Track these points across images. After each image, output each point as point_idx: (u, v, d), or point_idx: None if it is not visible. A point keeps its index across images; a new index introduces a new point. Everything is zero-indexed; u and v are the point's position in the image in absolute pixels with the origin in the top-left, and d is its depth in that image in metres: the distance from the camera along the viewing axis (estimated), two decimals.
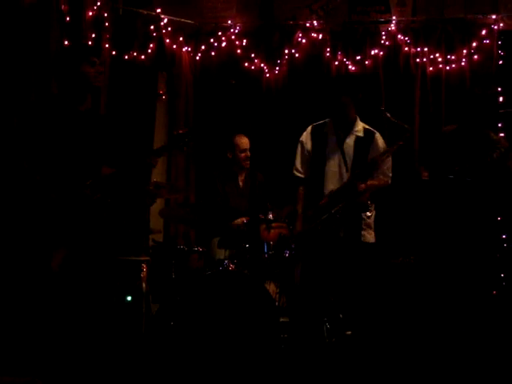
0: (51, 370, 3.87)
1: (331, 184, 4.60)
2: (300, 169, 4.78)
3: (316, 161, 4.70)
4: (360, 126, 4.70)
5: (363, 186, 4.44)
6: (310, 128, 4.81)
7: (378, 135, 4.71)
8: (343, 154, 4.61)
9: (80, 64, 3.91)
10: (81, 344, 3.92)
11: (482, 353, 4.41)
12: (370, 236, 4.67)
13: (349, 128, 4.67)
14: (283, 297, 5.02)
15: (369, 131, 4.71)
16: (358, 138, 4.65)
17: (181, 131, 4.10)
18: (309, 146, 4.76)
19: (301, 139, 4.81)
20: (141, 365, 4.10)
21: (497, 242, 5.56)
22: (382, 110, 4.58)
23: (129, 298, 4.52)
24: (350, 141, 4.64)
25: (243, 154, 5.50)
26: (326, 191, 4.60)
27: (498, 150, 4.78)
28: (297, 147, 4.82)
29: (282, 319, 4.82)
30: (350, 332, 4.50)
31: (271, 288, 5.04)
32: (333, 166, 4.63)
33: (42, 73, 4.98)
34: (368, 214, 4.57)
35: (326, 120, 4.79)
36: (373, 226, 4.70)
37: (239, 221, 5.13)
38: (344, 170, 4.60)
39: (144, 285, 4.64)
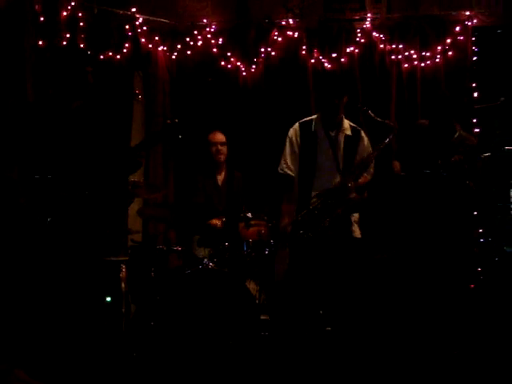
0: (33, 363, 3.87)
1: (322, 182, 4.57)
2: (291, 166, 4.69)
3: (306, 159, 4.64)
4: (347, 124, 4.70)
5: (353, 185, 4.45)
6: (297, 125, 4.75)
7: (363, 133, 4.74)
8: (334, 152, 4.60)
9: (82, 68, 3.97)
10: (62, 343, 3.91)
11: (461, 346, 4.47)
12: (357, 231, 4.69)
13: (338, 126, 4.65)
14: (263, 295, 5.05)
15: (355, 129, 4.72)
16: (346, 136, 4.65)
17: (175, 120, 4.11)
18: (298, 143, 4.70)
19: (289, 136, 4.73)
20: (121, 365, 4.08)
21: (473, 237, 5.63)
22: (365, 109, 4.58)
23: (108, 299, 4.48)
24: (340, 139, 4.64)
25: (214, 148, 5.50)
26: (316, 189, 4.55)
27: (461, 152, 4.81)
28: (285, 144, 4.74)
29: (262, 317, 4.86)
30: (329, 328, 4.50)
31: (251, 286, 5.05)
32: (324, 163, 4.60)
33: (17, 73, 4.96)
34: None
35: (313, 117, 4.76)
36: (358, 220, 4.72)
37: (216, 221, 5.12)
38: (335, 168, 4.58)
39: (123, 285, 4.62)
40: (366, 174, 4.61)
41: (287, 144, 4.74)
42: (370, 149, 4.68)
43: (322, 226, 4.41)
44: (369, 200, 4.57)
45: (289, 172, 4.71)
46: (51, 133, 3.96)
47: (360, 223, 4.73)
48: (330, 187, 4.49)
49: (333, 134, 4.64)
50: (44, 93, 5.03)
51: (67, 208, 3.96)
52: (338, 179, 4.54)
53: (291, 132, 4.75)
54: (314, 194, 4.55)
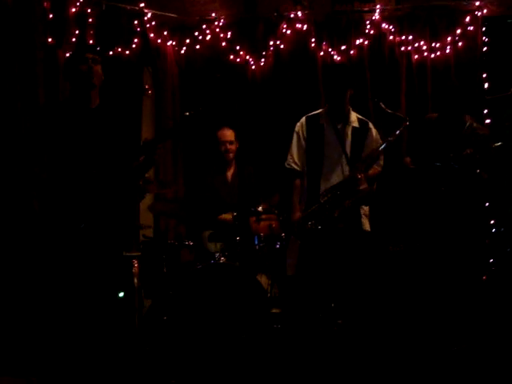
0: (45, 367, 3.90)
1: (330, 175, 4.58)
2: (297, 161, 4.71)
3: (314, 152, 4.65)
4: (354, 116, 4.69)
5: (362, 176, 4.45)
6: (304, 119, 4.76)
7: (371, 124, 4.74)
8: (343, 145, 4.59)
9: (77, 63, 3.95)
10: (75, 341, 3.93)
11: (473, 339, 4.46)
12: (367, 224, 4.69)
13: (345, 118, 4.65)
14: (275, 288, 5.06)
15: (363, 121, 4.72)
16: (354, 128, 4.65)
17: (192, 112, 4.11)
18: (305, 137, 4.71)
19: (296, 130, 4.74)
20: (136, 360, 4.10)
21: (485, 228, 5.61)
22: (376, 101, 4.60)
23: (121, 294, 4.50)
24: (348, 131, 4.63)
25: (223, 147, 5.49)
26: (325, 183, 4.56)
27: (472, 144, 4.79)
28: (292, 139, 4.75)
29: (274, 310, 4.88)
30: (340, 321, 4.50)
31: (263, 280, 5.07)
32: (333, 157, 4.60)
33: (28, 72, 4.98)
34: None
35: (319, 111, 4.77)
36: (368, 214, 4.72)
37: (227, 216, 5.13)
38: (344, 161, 4.57)
39: (136, 280, 4.65)
40: (375, 166, 4.61)
41: (294, 138, 4.74)
42: (380, 140, 4.67)
43: (332, 218, 4.41)
44: (378, 192, 4.56)
45: (295, 167, 4.72)
46: (65, 133, 3.96)
47: (370, 217, 4.73)
48: (340, 180, 4.49)
49: (340, 126, 4.63)
50: (55, 92, 5.06)
51: (80, 205, 3.96)
52: (347, 173, 4.55)
53: (298, 126, 4.76)
54: (323, 187, 4.56)
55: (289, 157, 4.75)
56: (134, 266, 4.72)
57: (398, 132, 4.47)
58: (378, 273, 4.82)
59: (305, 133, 4.71)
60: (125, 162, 4.08)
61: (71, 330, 3.96)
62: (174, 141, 5.90)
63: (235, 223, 4.96)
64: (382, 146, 4.51)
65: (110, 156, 4.00)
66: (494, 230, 5.71)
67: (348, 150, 4.60)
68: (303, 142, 4.71)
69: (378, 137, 4.71)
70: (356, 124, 4.67)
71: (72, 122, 3.91)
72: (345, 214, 4.42)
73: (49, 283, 4.24)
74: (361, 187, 4.45)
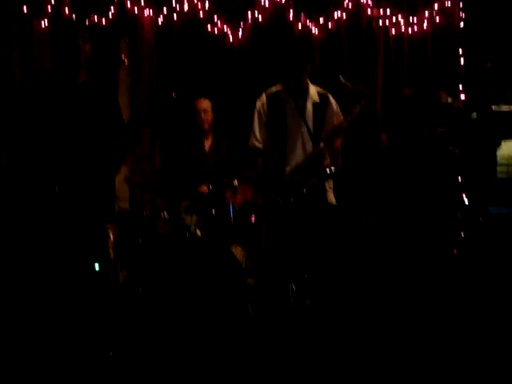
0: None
1: (294, 150, 4.64)
2: (259, 138, 4.74)
3: (276, 129, 4.68)
4: (314, 90, 4.71)
5: (327, 152, 4.49)
6: (264, 96, 4.76)
7: (331, 97, 4.75)
8: (304, 119, 4.63)
9: (75, 39, 3.94)
10: (49, 313, 3.98)
11: (443, 312, 4.57)
12: (332, 197, 4.74)
13: (304, 93, 4.67)
14: (249, 259, 5.13)
15: (322, 94, 4.73)
16: (314, 103, 4.67)
17: (179, 94, 4.14)
18: (267, 114, 4.72)
19: (257, 108, 4.75)
20: (110, 334, 4.14)
21: (457, 202, 5.70)
22: (338, 76, 4.57)
23: (96, 266, 4.53)
24: (309, 106, 4.66)
25: (199, 117, 5.48)
26: (289, 159, 4.62)
27: (446, 120, 4.85)
28: (253, 116, 4.76)
29: (248, 281, 4.95)
30: (308, 301, 4.58)
31: (238, 251, 5.13)
32: (295, 132, 4.64)
33: (3, 43, 4.93)
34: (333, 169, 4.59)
35: (279, 87, 4.76)
36: (332, 187, 4.76)
37: (204, 187, 5.16)
38: (307, 136, 4.62)
39: (111, 252, 4.66)
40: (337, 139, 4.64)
41: (255, 116, 4.76)
42: (339, 112, 4.70)
43: (300, 194, 4.46)
44: (347, 167, 4.60)
45: (257, 144, 4.76)
46: (52, 106, 3.97)
47: (336, 190, 4.79)
48: (304, 157, 4.52)
49: (300, 102, 4.66)
50: (31, 62, 5.01)
51: (57, 176, 3.99)
52: (310, 146, 4.58)
53: (258, 104, 4.76)
54: (288, 163, 4.60)
55: (251, 136, 4.77)
56: (109, 237, 4.73)
57: (357, 107, 4.47)
58: (346, 245, 4.91)
59: (266, 109, 4.72)
60: (109, 138, 4.13)
61: (46, 301, 4.00)
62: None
63: (211, 196, 4.98)
64: (344, 122, 4.52)
65: (95, 130, 4.05)
66: (466, 200, 5.79)
67: (310, 124, 4.63)
68: (264, 119, 4.73)
69: (338, 109, 4.74)
70: (316, 98, 4.69)
71: (59, 96, 3.93)
72: (311, 189, 4.47)
73: (23, 251, 4.25)
74: (324, 163, 4.49)
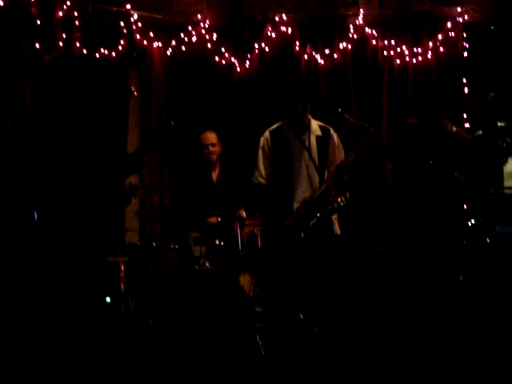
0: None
1: (301, 185, 4.72)
2: (264, 175, 4.83)
3: (283, 164, 4.77)
4: (315, 125, 4.81)
5: (333, 188, 4.58)
6: (267, 133, 4.86)
7: (332, 130, 4.85)
8: (310, 154, 4.72)
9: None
10: (63, 346, 4.06)
11: (451, 337, 4.62)
12: (337, 228, 4.82)
13: (307, 128, 4.77)
14: (257, 288, 5.20)
15: (324, 128, 4.83)
16: (317, 137, 4.77)
17: (171, 123, 4.22)
18: (272, 150, 4.81)
19: (261, 145, 4.84)
20: (122, 364, 4.23)
21: (463, 229, 5.74)
22: (340, 111, 4.64)
23: (108, 299, 4.62)
24: (312, 141, 4.75)
25: (206, 149, 5.55)
26: (297, 194, 4.70)
27: (452, 149, 4.91)
28: (257, 154, 4.85)
29: (257, 309, 5.03)
30: (316, 330, 4.65)
31: (246, 279, 5.23)
32: (301, 167, 4.73)
33: (16, 77, 5.04)
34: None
35: (280, 123, 4.85)
36: (337, 217, 4.82)
37: (213, 219, 5.24)
38: (313, 171, 4.71)
39: (122, 285, 4.75)
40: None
41: (260, 153, 4.86)
42: (341, 145, 4.81)
43: (308, 228, 4.54)
44: (351, 200, 4.66)
45: (262, 181, 4.84)
46: (52, 136, 4.08)
47: (340, 220, 4.86)
48: (312, 195, 4.61)
49: (304, 137, 4.75)
50: (43, 97, 5.12)
51: (66, 209, 4.07)
52: (317, 180, 4.68)
53: (262, 141, 4.86)
54: (296, 197, 4.69)
55: (256, 172, 4.86)
56: (120, 270, 4.82)
57: (360, 144, 4.56)
58: (353, 274, 4.98)
59: (270, 146, 4.81)
60: (110, 166, 4.20)
61: (59, 334, 4.08)
62: (159, 148, 5.97)
63: (219, 227, 5.06)
64: (348, 158, 4.59)
65: (96, 158, 4.14)
66: (473, 219, 5.83)
67: (315, 158, 4.72)
68: (269, 155, 4.82)
69: (339, 141, 4.83)
70: (318, 132, 4.79)
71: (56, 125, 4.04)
72: (319, 223, 4.56)
73: (37, 282, 4.32)
74: (332, 198, 4.57)
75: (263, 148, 4.84)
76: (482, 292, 5.26)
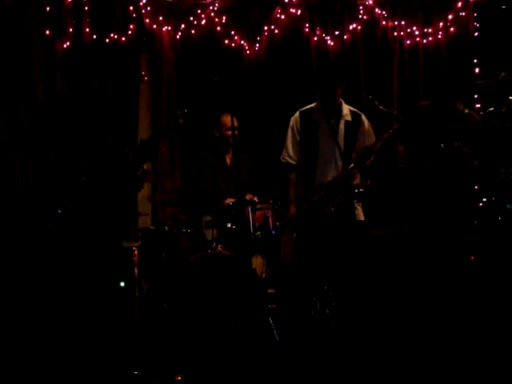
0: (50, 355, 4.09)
1: (325, 170, 4.73)
2: (292, 155, 4.87)
3: (309, 147, 4.79)
4: (347, 110, 4.81)
5: (356, 171, 4.61)
6: (297, 114, 4.88)
7: (363, 117, 4.86)
8: (336, 139, 4.73)
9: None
10: (78, 332, 4.12)
11: (463, 321, 4.64)
12: (361, 214, 4.84)
13: (338, 113, 4.77)
14: (269, 270, 5.26)
15: (355, 114, 4.84)
16: (347, 122, 4.78)
17: (184, 110, 4.25)
18: (300, 132, 4.84)
19: (291, 125, 4.88)
20: (136, 350, 4.29)
21: (474, 210, 5.74)
22: (371, 98, 4.67)
23: (122, 284, 4.67)
24: (341, 126, 4.76)
25: (229, 132, 5.56)
26: (320, 177, 4.72)
27: (463, 132, 4.88)
28: (287, 133, 4.89)
29: (269, 291, 5.08)
30: (328, 311, 4.69)
31: (258, 260, 5.30)
32: (327, 152, 4.75)
33: (26, 65, 5.06)
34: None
35: (313, 105, 4.87)
36: (361, 204, 4.86)
37: (229, 200, 5.28)
38: (338, 156, 4.72)
39: (136, 270, 4.79)
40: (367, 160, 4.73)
41: (289, 133, 4.89)
42: (372, 132, 4.80)
43: (326, 211, 4.57)
44: (371, 188, 4.69)
45: (290, 161, 4.89)
46: (63, 126, 4.11)
47: (363, 206, 4.88)
48: (334, 177, 4.62)
49: (333, 121, 4.76)
50: (53, 87, 5.15)
51: (79, 197, 4.11)
52: (340, 166, 4.68)
53: (292, 121, 4.89)
54: (317, 181, 4.70)
55: (284, 151, 4.90)
56: (134, 255, 4.86)
57: (391, 130, 4.58)
58: (371, 261, 4.99)
59: (299, 127, 4.84)
60: (123, 152, 4.23)
61: (73, 322, 4.14)
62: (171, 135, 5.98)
63: (234, 210, 5.09)
64: (376, 144, 4.61)
65: (108, 145, 4.17)
66: (484, 198, 5.84)
67: (341, 143, 4.73)
68: (298, 137, 4.85)
69: (371, 129, 4.85)
70: (349, 117, 4.79)
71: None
72: (339, 207, 4.58)
73: (49, 276, 4.37)
74: (354, 182, 4.60)
75: (292, 128, 4.88)
76: (493, 271, 5.28)
